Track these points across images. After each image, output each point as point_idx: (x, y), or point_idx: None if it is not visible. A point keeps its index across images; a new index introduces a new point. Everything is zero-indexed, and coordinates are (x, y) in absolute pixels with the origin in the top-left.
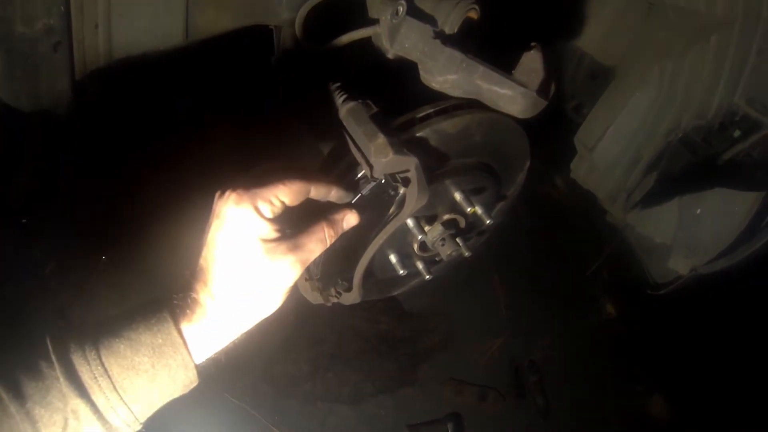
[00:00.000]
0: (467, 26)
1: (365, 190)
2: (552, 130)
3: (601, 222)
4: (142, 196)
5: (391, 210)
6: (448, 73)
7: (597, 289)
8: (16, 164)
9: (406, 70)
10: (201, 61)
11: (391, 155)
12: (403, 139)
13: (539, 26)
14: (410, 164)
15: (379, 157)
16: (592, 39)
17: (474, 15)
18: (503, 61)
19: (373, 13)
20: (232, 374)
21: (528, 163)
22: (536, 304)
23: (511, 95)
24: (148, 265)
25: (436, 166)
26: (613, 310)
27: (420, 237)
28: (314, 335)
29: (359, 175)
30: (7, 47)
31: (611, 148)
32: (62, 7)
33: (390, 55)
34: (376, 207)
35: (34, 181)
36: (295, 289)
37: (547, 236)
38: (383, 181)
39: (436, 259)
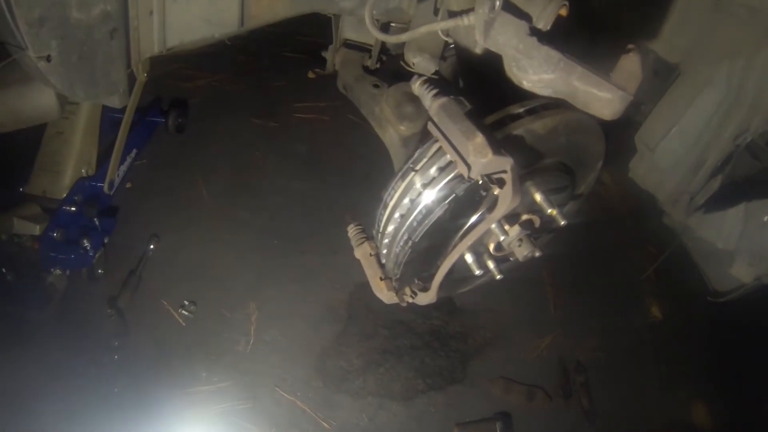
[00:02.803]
0: (556, 23)
1: (460, 191)
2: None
3: (650, 222)
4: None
5: (479, 210)
6: (543, 73)
7: (644, 290)
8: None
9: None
10: None
11: (490, 155)
12: (498, 139)
13: (601, 22)
14: (506, 165)
15: (479, 157)
16: (656, 34)
17: (564, 12)
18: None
19: (452, 5)
20: (283, 369)
21: (601, 164)
22: (583, 303)
23: (609, 98)
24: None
25: (522, 167)
26: (658, 313)
27: (502, 238)
28: (366, 330)
29: (452, 175)
30: (62, 33)
31: (675, 148)
32: None
33: (478, 49)
34: (464, 208)
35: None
36: (348, 283)
37: (594, 234)
38: (480, 182)
39: (510, 258)
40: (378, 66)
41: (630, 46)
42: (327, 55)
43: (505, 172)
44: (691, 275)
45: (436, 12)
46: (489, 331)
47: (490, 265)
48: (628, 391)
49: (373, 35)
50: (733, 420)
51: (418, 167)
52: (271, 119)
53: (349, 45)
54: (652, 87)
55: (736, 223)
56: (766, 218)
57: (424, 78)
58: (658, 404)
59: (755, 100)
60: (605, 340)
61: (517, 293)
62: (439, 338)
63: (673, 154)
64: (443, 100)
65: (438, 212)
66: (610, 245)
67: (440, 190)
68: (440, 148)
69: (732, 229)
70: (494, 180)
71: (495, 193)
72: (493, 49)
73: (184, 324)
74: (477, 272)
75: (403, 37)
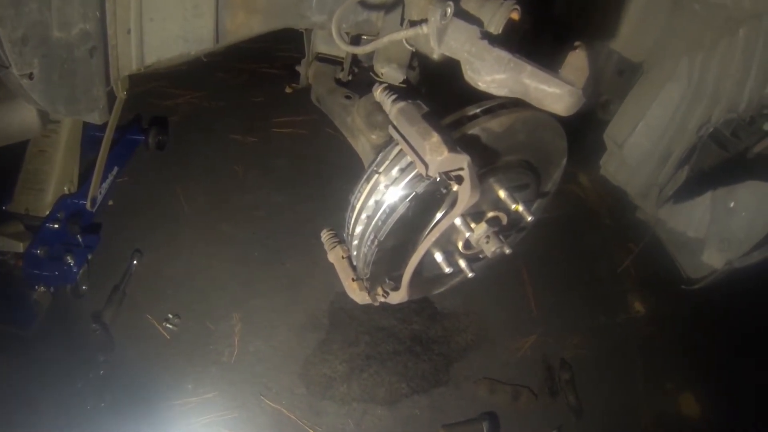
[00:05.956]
0: (509, 27)
1: (420, 189)
2: (577, 128)
3: (628, 218)
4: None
5: (442, 208)
6: (495, 73)
7: (625, 286)
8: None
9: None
10: None
11: (446, 153)
12: (454, 138)
13: (566, 26)
14: (463, 162)
15: (435, 156)
16: (619, 36)
17: (516, 16)
18: (541, 60)
19: (413, 15)
20: (268, 378)
21: (565, 160)
22: (565, 301)
23: (558, 93)
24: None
25: (481, 164)
26: (641, 308)
27: (467, 234)
28: (348, 337)
29: (412, 174)
30: (44, 52)
31: (642, 143)
32: (98, 13)
33: (435, 56)
34: (427, 206)
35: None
36: (329, 292)
37: (573, 233)
38: (438, 180)
39: (480, 256)
40: (350, 78)
41: (576, 43)
42: (300, 69)
43: (462, 169)
44: (668, 266)
45: (402, 23)
46: (471, 333)
47: (462, 263)
48: (615, 385)
49: (341, 48)
50: (722, 409)
51: (381, 169)
52: (250, 134)
53: (322, 58)
54: (618, 86)
55: (704, 211)
56: (731, 204)
57: (385, 85)
58: (646, 397)
59: (715, 92)
60: (589, 337)
61: (498, 295)
62: (421, 343)
63: (641, 149)
64: (401, 104)
65: (401, 210)
66: (590, 244)
67: (402, 188)
68: (401, 150)
69: (701, 217)
70: (452, 177)
71: (454, 189)
72: (448, 54)
73: (168, 337)
74: (447, 270)
75: (368, 48)
